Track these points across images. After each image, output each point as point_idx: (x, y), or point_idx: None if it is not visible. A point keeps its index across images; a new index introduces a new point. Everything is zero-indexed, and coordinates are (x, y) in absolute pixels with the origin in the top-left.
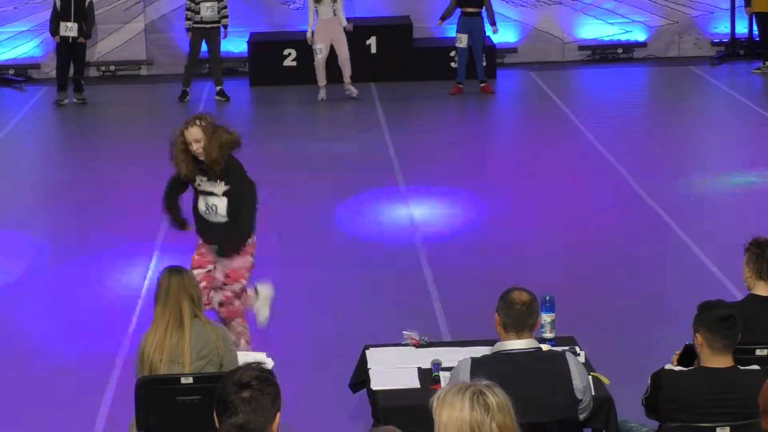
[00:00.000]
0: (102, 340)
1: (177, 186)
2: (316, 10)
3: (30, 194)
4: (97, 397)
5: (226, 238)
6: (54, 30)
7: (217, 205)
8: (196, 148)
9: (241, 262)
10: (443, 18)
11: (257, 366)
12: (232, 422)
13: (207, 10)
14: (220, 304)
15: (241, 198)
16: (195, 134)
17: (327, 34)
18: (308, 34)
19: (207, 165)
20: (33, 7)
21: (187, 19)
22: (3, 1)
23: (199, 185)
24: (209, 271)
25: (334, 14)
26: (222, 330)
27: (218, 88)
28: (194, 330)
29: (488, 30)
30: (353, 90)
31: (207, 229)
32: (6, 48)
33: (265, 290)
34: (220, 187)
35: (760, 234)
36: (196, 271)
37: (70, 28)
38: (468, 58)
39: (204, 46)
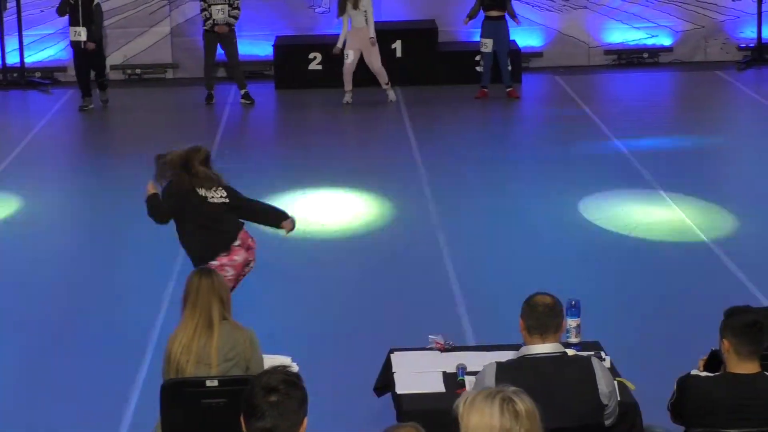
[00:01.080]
0: (128, 341)
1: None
2: (350, 18)
3: (56, 195)
4: (122, 399)
5: None
6: (61, 10)
7: None
8: None
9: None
10: (469, 17)
11: (285, 370)
12: (259, 426)
13: (218, 13)
14: None
15: None
16: None
17: (358, 42)
18: (338, 44)
19: None
20: None
21: (204, 20)
22: (29, 4)
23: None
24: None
25: (366, 23)
26: (250, 333)
27: (242, 91)
28: (222, 332)
29: (522, 33)
30: (391, 94)
31: None
32: (32, 51)
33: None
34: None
35: None
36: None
37: (79, 33)
38: (493, 62)
39: (220, 50)
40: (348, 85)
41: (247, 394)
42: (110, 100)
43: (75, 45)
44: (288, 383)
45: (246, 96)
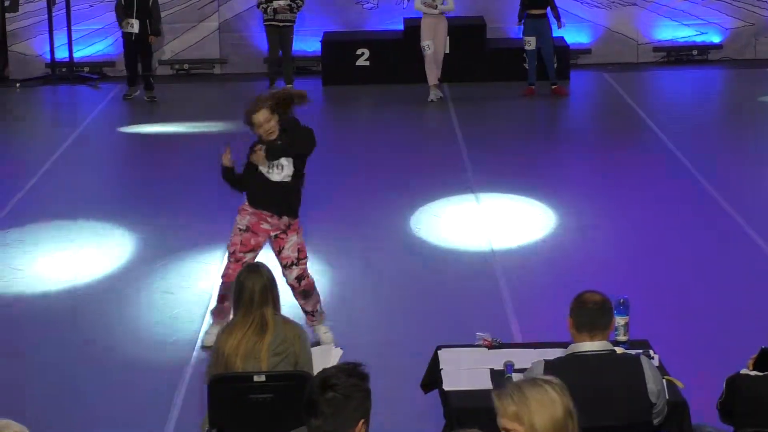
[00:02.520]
0: (175, 336)
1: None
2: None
3: (103, 191)
4: (169, 394)
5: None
6: (120, 23)
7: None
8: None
9: (299, 237)
10: (520, 18)
11: (351, 368)
12: (312, 423)
13: (278, 10)
14: (299, 279)
15: None
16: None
17: (433, 30)
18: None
19: None
20: (108, 5)
21: (263, 11)
22: (78, 0)
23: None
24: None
25: (437, 7)
26: (299, 328)
27: (289, 86)
28: (275, 326)
29: (569, 30)
30: (437, 92)
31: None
32: (81, 46)
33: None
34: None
35: None
36: (248, 255)
37: (132, 25)
38: (538, 59)
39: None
40: (432, 79)
41: (306, 390)
42: (157, 96)
43: (126, 36)
44: (347, 383)
45: None
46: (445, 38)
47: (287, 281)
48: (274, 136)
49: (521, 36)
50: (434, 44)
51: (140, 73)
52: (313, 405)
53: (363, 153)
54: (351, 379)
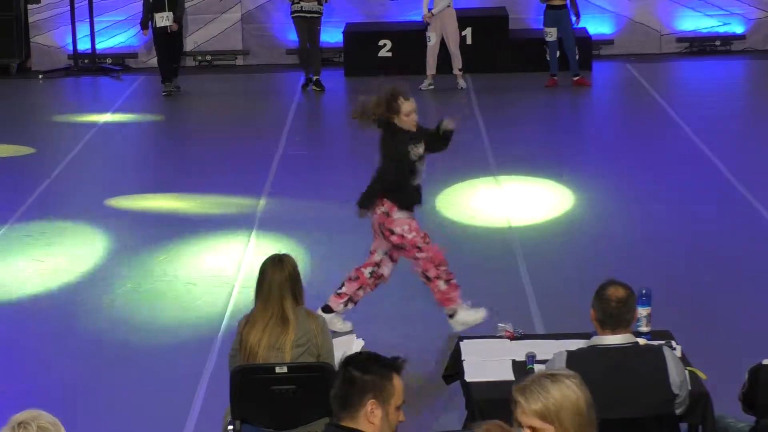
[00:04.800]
0: (198, 326)
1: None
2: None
3: (127, 181)
4: (192, 384)
5: None
6: (145, 22)
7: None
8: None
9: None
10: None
11: (380, 356)
12: (331, 394)
13: (307, 2)
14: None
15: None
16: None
17: (439, 23)
18: (425, 12)
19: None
20: None
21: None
22: None
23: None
24: None
25: (448, 6)
26: (322, 320)
27: (315, 78)
28: (298, 319)
29: (593, 20)
30: (461, 82)
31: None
32: (104, 37)
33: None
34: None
35: None
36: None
37: (166, 18)
38: (560, 50)
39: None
40: (430, 69)
41: None
42: (180, 87)
43: (160, 30)
44: (361, 362)
45: (317, 83)
46: (456, 30)
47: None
48: (415, 127)
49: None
50: (440, 36)
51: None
52: (335, 378)
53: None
54: (373, 362)
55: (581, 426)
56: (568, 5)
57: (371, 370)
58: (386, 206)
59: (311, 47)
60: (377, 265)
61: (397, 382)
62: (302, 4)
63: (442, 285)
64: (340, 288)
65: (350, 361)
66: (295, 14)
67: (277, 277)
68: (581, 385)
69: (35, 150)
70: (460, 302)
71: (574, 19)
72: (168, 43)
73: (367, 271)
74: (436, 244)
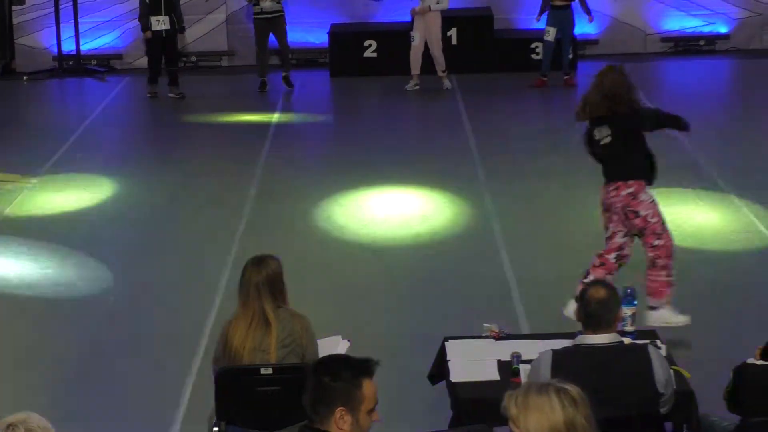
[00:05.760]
0: (183, 328)
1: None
2: None
3: (111, 183)
4: (177, 386)
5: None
6: (145, 25)
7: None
8: None
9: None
10: (541, 12)
11: (351, 359)
12: (303, 399)
13: (266, 1)
14: (653, 247)
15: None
16: None
17: (424, 25)
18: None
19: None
20: None
21: (252, 5)
22: None
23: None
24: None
25: (430, 8)
26: (306, 320)
27: (284, 74)
28: (280, 320)
29: (578, 21)
30: (446, 82)
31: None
32: (88, 38)
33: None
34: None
35: None
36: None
37: (162, 22)
38: (555, 51)
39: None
40: (414, 69)
41: None
42: (164, 88)
43: (155, 34)
44: (334, 368)
45: (286, 80)
46: (439, 35)
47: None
48: None
49: (536, 27)
50: (423, 37)
51: (165, 68)
52: (306, 383)
53: (370, 144)
54: (343, 367)
55: None
56: (572, 6)
57: (341, 376)
58: (633, 187)
59: (280, 46)
60: (621, 248)
61: (368, 387)
62: (262, 5)
63: (663, 276)
64: (585, 277)
65: (321, 365)
66: (257, 16)
67: (255, 278)
68: (571, 404)
69: (21, 150)
70: (669, 300)
71: (587, 17)
72: (163, 47)
73: (611, 257)
74: (670, 233)
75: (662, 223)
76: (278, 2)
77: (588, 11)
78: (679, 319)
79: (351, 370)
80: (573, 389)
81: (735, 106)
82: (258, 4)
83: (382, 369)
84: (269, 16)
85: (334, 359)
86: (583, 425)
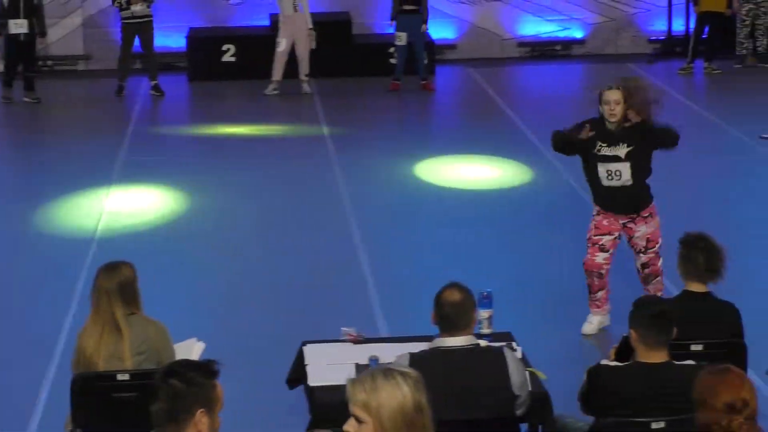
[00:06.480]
0: (37, 333)
1: (570, 140)
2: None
3: None
4: (32, 393)
5: (639, 197)
6: (2, 27)
7: (620, 170)
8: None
9: (655, 224)
10: (393, 18)
11: (199, 362)
12: (152, 408)
13: (137, 5)
14: (644, 266)
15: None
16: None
17: (291, 29)
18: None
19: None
20: None
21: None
22: None
23: (599, 151)
24: (616, 237)
25: (295, 10)
26: (161, 326)
27: (153, 83)
28: (132, 327)
29: (434, 25)
30: (306, 87)
31: (610, 197)
32: None
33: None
34: (623, 150)
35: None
36: (605, 238)
37: (20, 25)
38: (408, 55)
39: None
40: (276, 74)
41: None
42: (19, 92)
43: (12, 37)
44: (188, 374)
45: (156, 88)
46: (308, 35)
47: (635, 264)
48: (613, 120)
49: (393, 31)
50: (291, 42)
51: (21, 73)
52: (155, 391)
53: (229, 147)
54: (195, 370)
55: (401, 427)
56: (421, 11)
57: (194, 380)
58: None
59: (147, 52)
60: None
61: (219, 387)
62: (133, 9)
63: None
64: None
65: (171, 372)
66: (126, 20)
67: (106, 284)
68: (415, 386)
69: None
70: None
71: (423, 26)
72: (20, 52)
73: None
74: (593, 251)
75: (591, 238)
76: (148, 7)
77: (424, 20)
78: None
79: (202, 372)
80: (413, 373)
81: (591, 108)
82: (128, 8)
83: (239, 373)
84: (139, 20)
85: (181, 364)
86: (427, 407)
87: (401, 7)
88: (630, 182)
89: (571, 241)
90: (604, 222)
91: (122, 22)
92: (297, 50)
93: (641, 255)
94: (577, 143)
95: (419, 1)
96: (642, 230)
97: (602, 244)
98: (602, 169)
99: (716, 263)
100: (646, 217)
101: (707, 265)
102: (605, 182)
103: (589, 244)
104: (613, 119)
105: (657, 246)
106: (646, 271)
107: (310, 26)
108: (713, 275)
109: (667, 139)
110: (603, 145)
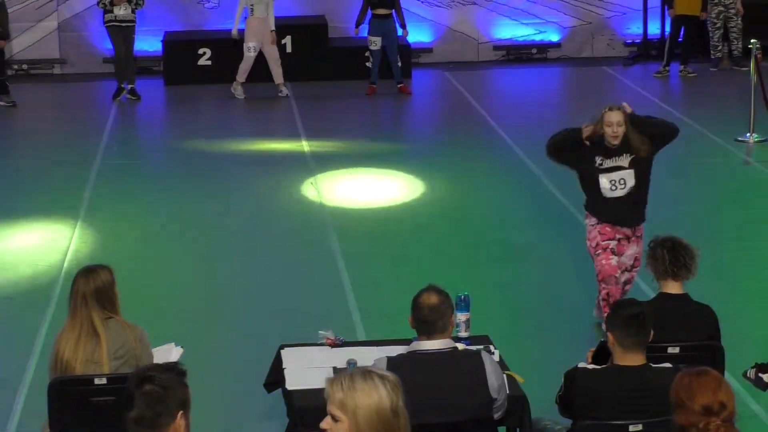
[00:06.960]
0: (13, 338)
1: (570, 145)
2: (251, 8)
3: None
4: (9, 398)
5: (643, 206)
6: None
7: (624, 178)
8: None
9: (642, 245)
10: (358, 24)
11: (168, 365)
12: (128, 416)
13: (120, 9)
14: (626, 282)
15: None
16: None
17: (259, 33)
18: (234, 30)
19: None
20: None
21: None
22: None
23: (600, 165)
24: (618, 242)
25: (252, 14)
26: (139, 330)
27: (130, 86)
28: (110, 331)
29: (409, 29)
30: (283, 90)
31: (615, 210)
32: None
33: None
34: (625, 159)
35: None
36: (612, 243)
37: None
38: (382, 59)
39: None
40: (242, 77)
41: (126, 385)
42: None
43: None
44: (164, 377)
45: (132, 92)
46: (274, 47)
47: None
48: (615, 142)
49: (366, 35)
50: (259, 47)
51: None
52: (130, 398)
53: (206, 149)
54: (167, 373)
55: (377, 429)
56: (394, 15)
57: (170, 383)
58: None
59: (126, 56)
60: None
61: (189, 388)
62: (116, 13)
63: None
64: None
65: (146, 379)
66: (110, 23)
67: (83, 288)
68: (393, 389)
69: None
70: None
71: (401, 30)
72: None
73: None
74: (603, 259)
75: (593, 247)
76: (132, 12)
77: (403, 25)
78: None
79: (175, 374)
80: (392, 376)
81: (567, 111)
82: (111, 11)
83: (217, 377)
84: (121, 24)
85: (154, 369)
86: (403, 411)
87: (374, 11)
88: (636, 189)
89: (548, 243)
90: (607, 228)
91: (105, 25)
92: (265, 53)
93: (625, 273)
94: (580, 140)
95: (392, 5)
96: (633, 250)
97: (612, 248)
98: (605, 180)
99: (682, 259)
100: (639, 236)
101: (672, 261)
102: (608, 194)
103: (599, 251)
104: (615, 141)
105: (639, 266)
106: (627, 287)
107: (272, 28)
108: (681, 271)
109: (665, 128)
110: (603, 158)
